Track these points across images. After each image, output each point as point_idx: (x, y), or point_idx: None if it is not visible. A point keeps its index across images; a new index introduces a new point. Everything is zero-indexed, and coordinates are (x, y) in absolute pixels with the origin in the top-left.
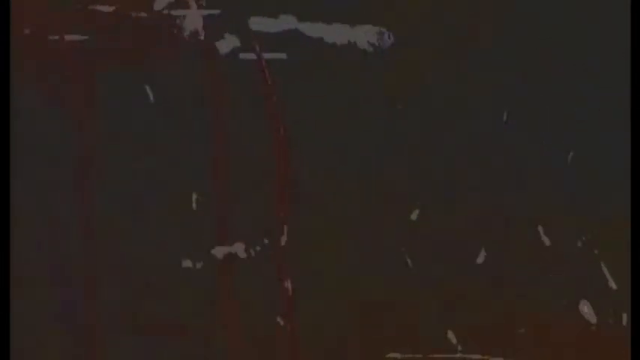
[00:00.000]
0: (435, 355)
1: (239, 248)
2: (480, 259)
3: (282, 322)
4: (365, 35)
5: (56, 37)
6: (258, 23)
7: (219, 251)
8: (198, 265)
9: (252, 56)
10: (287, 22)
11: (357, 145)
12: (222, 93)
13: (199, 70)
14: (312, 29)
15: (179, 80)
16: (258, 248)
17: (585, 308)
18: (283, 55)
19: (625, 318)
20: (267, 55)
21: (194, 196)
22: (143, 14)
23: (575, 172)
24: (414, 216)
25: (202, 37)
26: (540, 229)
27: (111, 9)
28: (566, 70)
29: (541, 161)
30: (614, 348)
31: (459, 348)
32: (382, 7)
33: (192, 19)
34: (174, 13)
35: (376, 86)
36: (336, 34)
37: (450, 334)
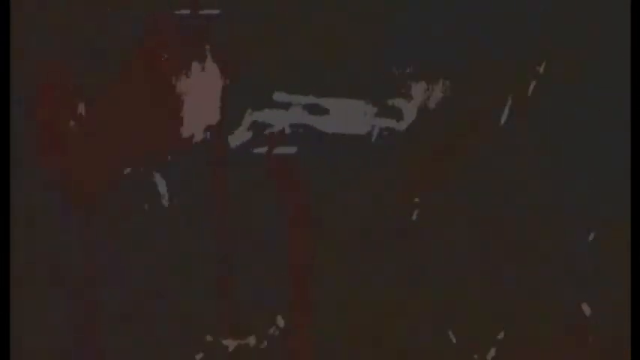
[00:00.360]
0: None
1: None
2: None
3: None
4: (376, 125)
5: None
6: (268, 116)
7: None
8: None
9: (263, 150)
10: (297, 114)
11: (374, 241)
12: (233, 189)
13: (210, 167)
14: (322, 121)
15: (190, 177)
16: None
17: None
18: (293, 149)
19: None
20: (277, 150)
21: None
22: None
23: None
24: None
25: (212, 132)
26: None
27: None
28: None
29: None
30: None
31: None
32: (393, 96)
33: (206, 114)
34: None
35: (389, 177)
36: (346, 125)
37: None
